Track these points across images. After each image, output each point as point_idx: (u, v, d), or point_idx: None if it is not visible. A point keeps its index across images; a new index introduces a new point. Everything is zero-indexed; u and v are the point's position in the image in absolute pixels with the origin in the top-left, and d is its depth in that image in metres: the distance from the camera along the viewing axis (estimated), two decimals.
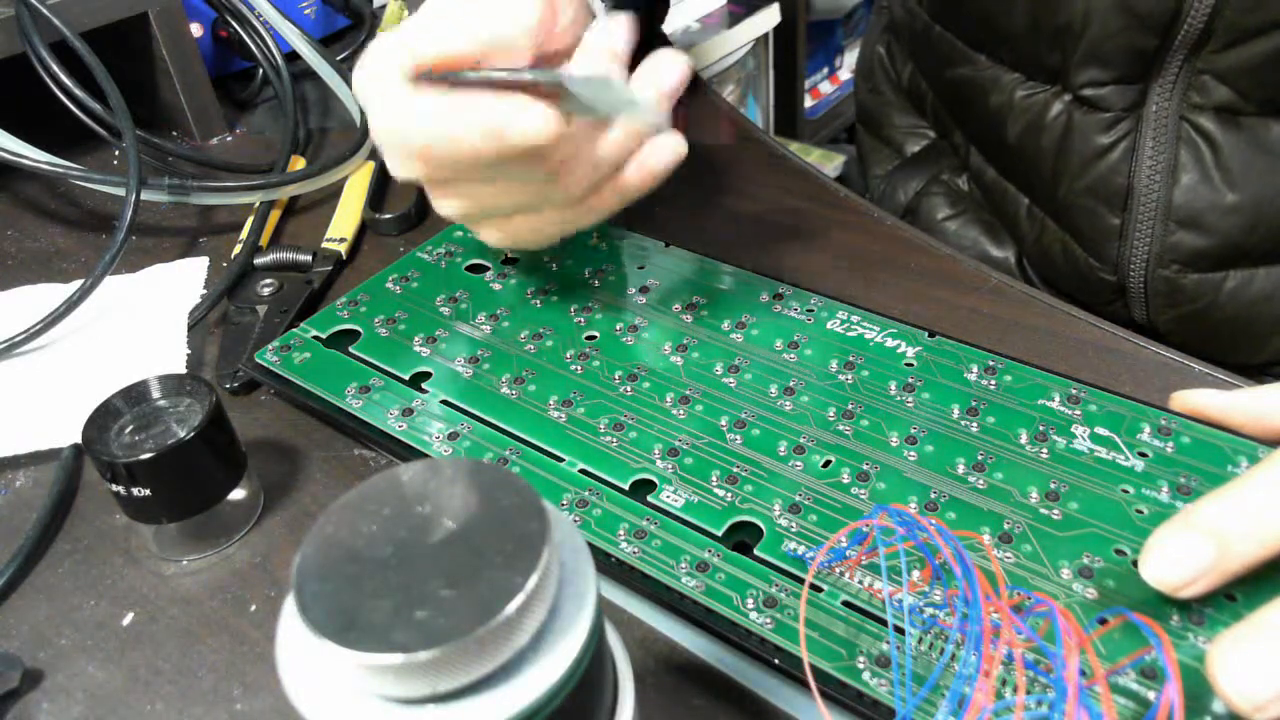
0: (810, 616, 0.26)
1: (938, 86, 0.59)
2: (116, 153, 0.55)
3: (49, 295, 0.44)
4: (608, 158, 0.32)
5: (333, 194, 0.50)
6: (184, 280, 0.44)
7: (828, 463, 0.30)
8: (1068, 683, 0.20)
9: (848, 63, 1.67)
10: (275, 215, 0.48)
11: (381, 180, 0.51)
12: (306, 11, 0.65)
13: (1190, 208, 0.46)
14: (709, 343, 0.35)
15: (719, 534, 0.28)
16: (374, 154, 0.53)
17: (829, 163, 1.42)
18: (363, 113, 0.54)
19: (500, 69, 0.30)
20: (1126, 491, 0.28)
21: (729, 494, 0.30)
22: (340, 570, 0.16)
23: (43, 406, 0.38)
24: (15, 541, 0.32)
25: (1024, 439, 0.30)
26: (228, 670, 0.28)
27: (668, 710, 0.26)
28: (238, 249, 0.45)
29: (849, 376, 0.33)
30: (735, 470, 0.30)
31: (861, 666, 0.24)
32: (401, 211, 0.47)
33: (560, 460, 0.31)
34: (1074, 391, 0.31)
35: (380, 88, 0.32)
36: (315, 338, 0.38)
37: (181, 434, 0.29)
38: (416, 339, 0.37)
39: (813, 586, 0.26)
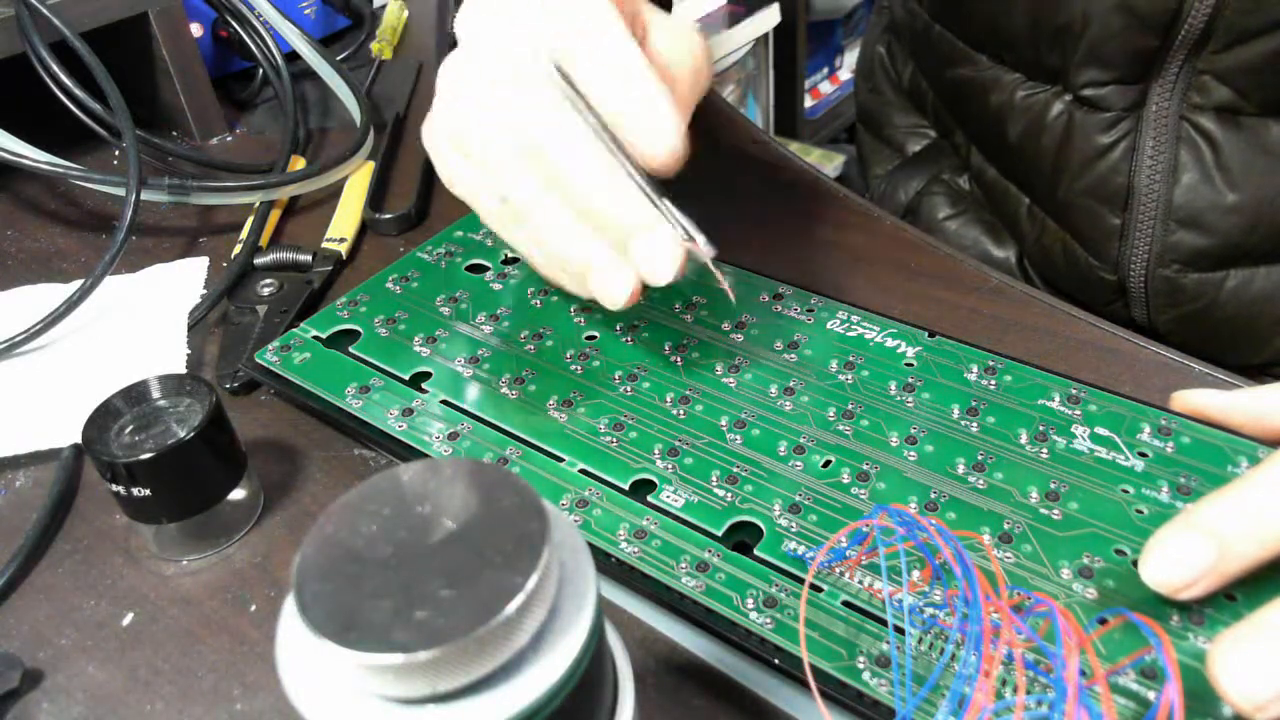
0: (810, 616, 0.26)
1: (938, 86, 0.59)
2: (116, 153, 0.55)
3: (49, 295, 0.44)
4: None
5: (333, 194, 0.50)
6: (184, 280, 0.44)
7: (828, 463, 0.30)
8: (1068, 683, 0.20)
9: (848, 63, 1.67)
10: (275, 215, 0.48)
11: (381, 180, 0.51)
12: (306, 11, 0.65)
13: (1191, 207, 0.46)
14: (709, 343, 0.35)
15: (719, 534, 0.28)
16: (374, 154, 0.53)
17: (829, 163, 1.42)
18: (366, 111, 0.54)
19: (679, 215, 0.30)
20: (1126, 491, 0.28)
21: (729, 494, 0.30)
22: (340, 570, 0.16)
23: (43, 406, 0.38)
24: (15, 541, 0.32)
25: (1024, 439, 0.30)
26: (228, 670, 0.28)
27: (668, 710, 0.26)
28: (238, 249, 0.45)
29: (849, 376, 0.33)
30: (735, 470, 0.30)
31: (861, 666, 0.24)
32: (401, 211, 0.47)
33: (560, 460, 0.31)
34: (1074, 391, 0.31)
35: (522, 71, 0.30)
36: (315, 338, 0.38)
37: (181, 434, 0.29)
38: (416, 339, 0.37)
39: (813, 586, 0.26)
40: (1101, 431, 0.30)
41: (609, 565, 0.28)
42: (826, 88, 1.65)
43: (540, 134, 0.29)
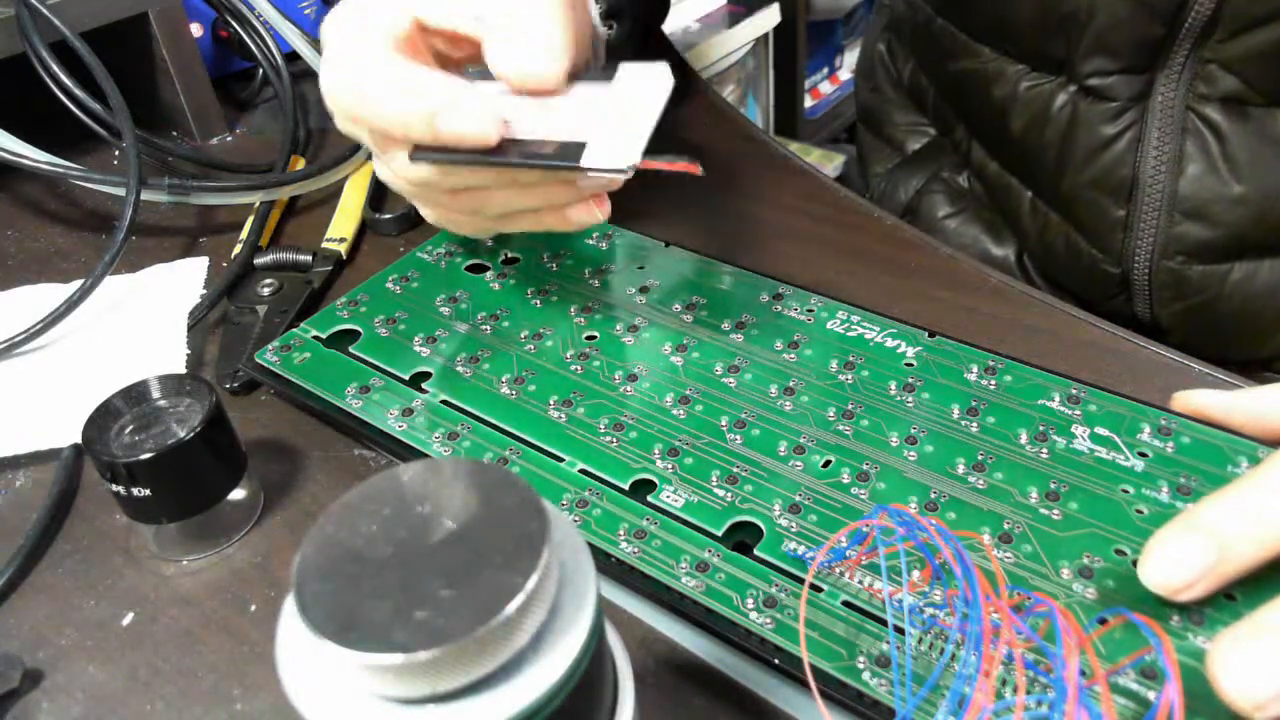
0: (810, 616, 0.26)
1: (940, 81, 0.59)
2: (116, 153, 0.55)
3: (49, 295, 0.44)
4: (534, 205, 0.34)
5: (333, 194, 0.50)
6: (184, 280, 0.44)
7: (828, 463, 0.30)
8: (1068, 683, 0.20)
9: (848, 62, 1.67)
10: (275, 215, 0.48)
11: (381, 180, 0.51)
12: (306, 11, 0.65)
13: (1196, 199, 0.45)
14: (709, 343, 0.35)
15: (719, 534, 0.28)
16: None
17: (829, 163, 1.42)
18: None
19: (526, 140, 0.31)
20: (1126, 491, 0.28)
21: (729, 494, 0.30)
22: (340, 570, 0.16)
23: (43, 406, 0.38)
24: (15, 541, 0.32)
25: (1024, 439, 0.30)
26: (228, 670, 0.28)
27: (668, 710, 0.26)
28: (238, 249, 0.45)
29: (849, 376, 0.33)
30: (735, 470, 0.30)
31: (861, 666, 0.24)
32: (401, 211, 0.47)
33: (560, 460, 0.31)
34: (1074, 391, 0.31)
35: (355, 44, 0.32)
36: (315, 338, 0.38)
37: (181, 434, 0.29)
38: (416, 339, 0.37)
39: (813, 586, 0.26)
40: (1101, 431, 0.30)
41: (609, 565, 0.28)
42: (826, 87, 1.65)
43: (351, 78, 0.32)
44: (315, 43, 0.58)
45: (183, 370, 0.39)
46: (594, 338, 0.36)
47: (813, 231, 0.44)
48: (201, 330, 0.41)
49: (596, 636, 0.18)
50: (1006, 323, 0.37)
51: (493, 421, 0.33)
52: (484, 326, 0.37)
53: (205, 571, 0.31)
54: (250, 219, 0.47)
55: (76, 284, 0.41)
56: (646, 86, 0.30)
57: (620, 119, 0.30)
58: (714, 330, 0.36)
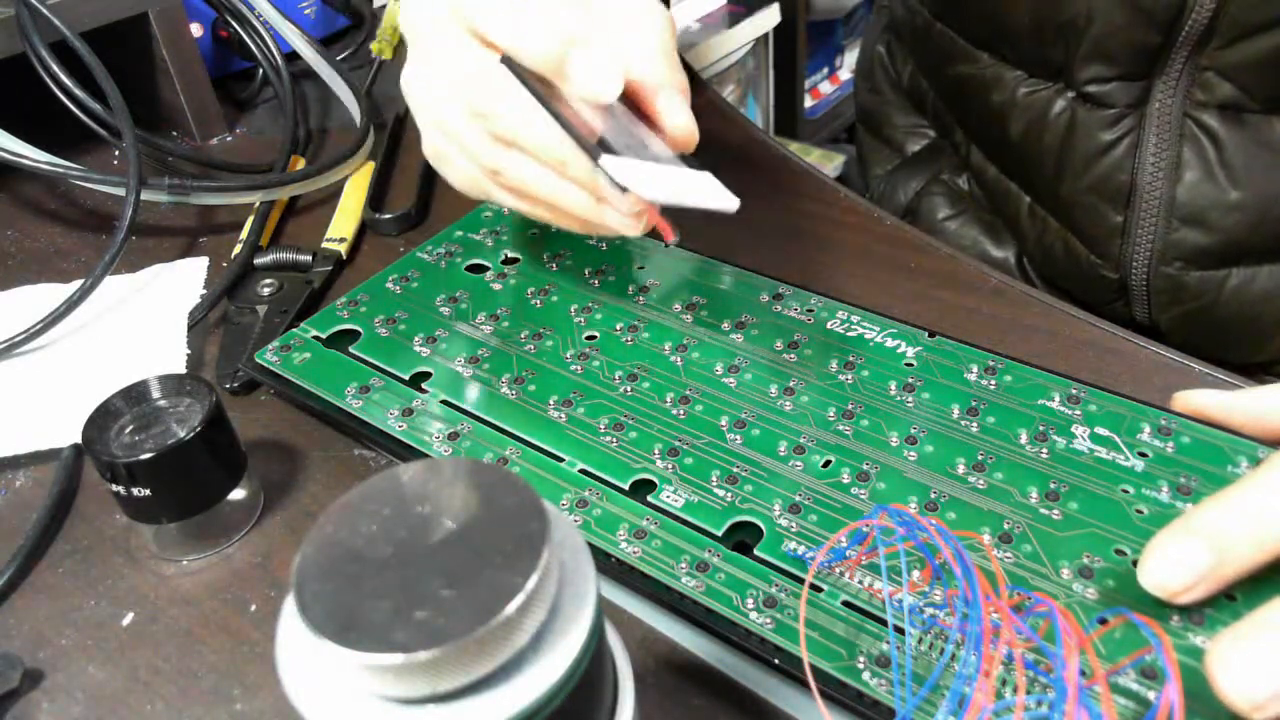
0: (810, 616, 0.26)
1: (939, 85, 0.59)
2: (116, 153, 0.55)
3: (49, 295, 0.44)
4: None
5: (333, 194, 0.50)
6: (184, 280, 0.44)
7: (828, 463, 0.30)
8: (1068, 683, 0.20)
9: (848, 63, 1.67)
10: (275, 215, 0.48)
11: (381, 180, 0.51)
12: (306, 11, 0.65)
13: (1193, 205, 0.46)
14: (709, 343, 0.35)
15: (719, 534, 0.28)
16: (374, 154, 0.53)
17: (829, 163, 1.42)
18: (366, 111, 0.54)
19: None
20: (1126, 491, 0.28)
21: (729, 494, 0.30)
22: (340, 570, 0.16)
23: (43, 406, 0.38)
24: (15, 541, 0.32)
25: (1024, 439, 0.30)
26: (228, 670, 0.28)
27: (668, 710, 0.26)
28: (238, 249, 0.45)
29: (849, 376, 0.33)
30: (735, 470, 0.30)
31: (861, 666, 0.24)
32: (401, 211, 0.47)
33: (560, 460, 0.31)
34: (1074, 391, 0.31)
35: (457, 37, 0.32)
36: (315, 338, 0.38)
37: (181, 434, 0.29)
38: (416, 339, 0.37)
39: (813, 586, 0.26)
40: (1101, 431, 0.30)
41: (609, 565, 0.28)
42: (826, 88, 1.65)
43: (473, 87, 0.32)
44: (315, 43, 0.58)
45: (183, 370, 0.39)
46: (594, 338, 0.36)
47: (813, 231, 0.44)
48: (201, 330, 0.41)
49: (596, 636, 0.18)
50: (1006, 323, 0.37)
51: (493, 421, 0.33)
52: (484, 326, 0.37)
53: (205, 571, 0.31)
54: (250, 219, 0.47)
55: (76, 284, 0.41)
56: (710, 191, 0.30)
57: (665, 176, 0.29)
58: (714, 330, 0.36)
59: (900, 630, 0.25)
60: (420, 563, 0.16)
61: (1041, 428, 0.30)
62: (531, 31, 0.30)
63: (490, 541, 0.16)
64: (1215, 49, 0.42)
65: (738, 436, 0.31)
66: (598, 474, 0.31)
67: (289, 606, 0.16)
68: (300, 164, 0.52)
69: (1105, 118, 0.46)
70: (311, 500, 0.34)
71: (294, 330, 0.38)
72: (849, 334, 0.35)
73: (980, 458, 0.30)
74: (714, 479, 0.30)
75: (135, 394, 0.31)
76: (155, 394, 0.31)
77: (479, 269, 0.41)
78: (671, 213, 0.31)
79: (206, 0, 0.58)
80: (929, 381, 0.32)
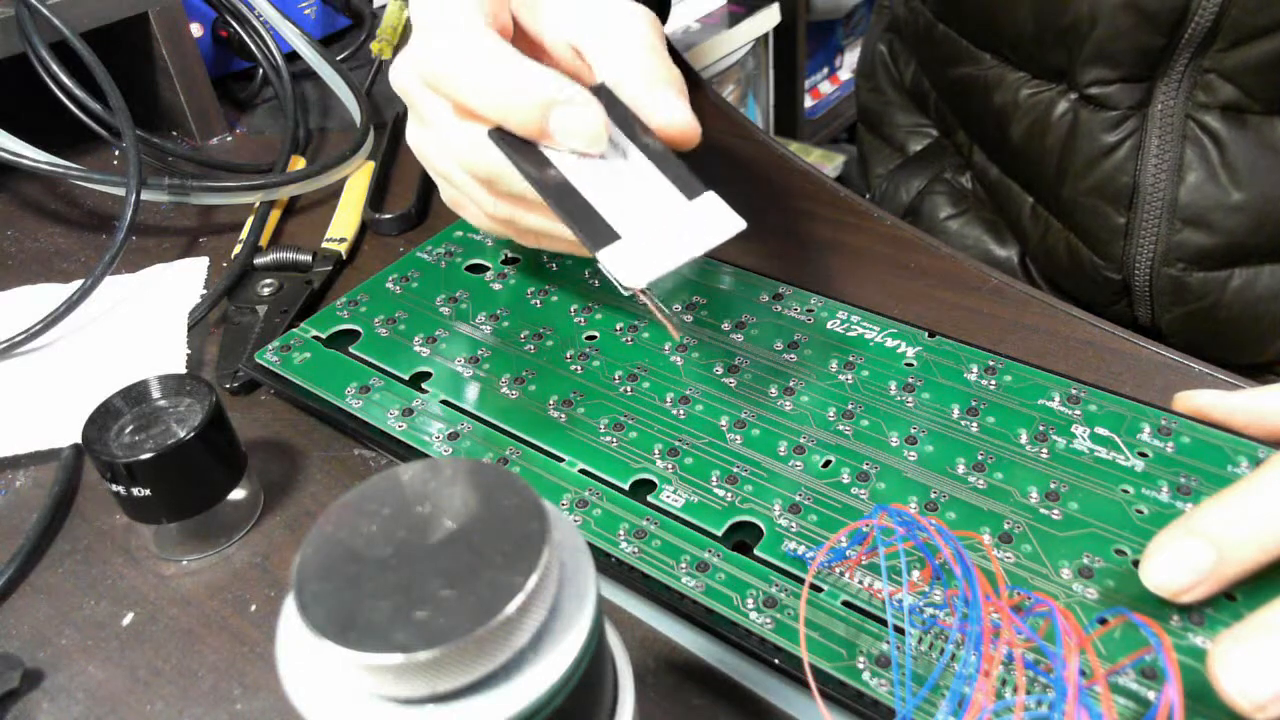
0: (810, 616, 0.26)
1: (941, 85, 0.59)
2: (116, 153, 0.55)
3: (49, 295, 0.44)
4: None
5: (333, 194, 0.50)
6: (184, 280, 0.44)
7: (828, 463, 0.30)
8: (1068, 683, 0.20)
9: (848, 63, 1.67)
10: (275, 215, 0.48)
11: (381, 180, 0.51)
12: (306, 11, 0.65)
13: (1196, 206, 0.46)
14: (709, 343, 0.35)
15: (719, 534, 0.28)
16: (374, 154, 0.53)
17: (829, 163, 1.42)
18: (366, 111, 0.54)
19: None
20: (1126, 491, 0.28)
21: (729, 494, 0.30)
22: (340, 570, 0.16)
23: (43, 406, 0.38)
24: (15, 541, 0.32)
25: (1024, 439, 0.30)
26: (228, 670, 0.28)
27: (668, 710, 0.26)
28: (238, 249, 0.45)
29: (849, 376, 0.33)
30: (735, 470, 0.30)
31: (861, 666, 0.24)
32: (401, 211, 0.47)
33: (560, 460, 0.31)
34: (1074, 391, 0.31)
35: (455, 13, 0.31)
36: (315, 338, 0.38)
37: (181, 434, 0.29)
38: (416, 339, 0.37)
39: (813, 586, 0.26)
40: (1101, 431, 0.30)
41: (609, 565, 0.28)
42: (826, 88, 1.65)
43: (452, 45, 0.31)
44: (315, 43, 0.58)
45: (183, 370, 0.39)
46: (594, 338, 0.36)
47: (813, 231, 0.44)
48: (201, 330, 0.41)
49: (596, 636, 0.18)
50: (1006, 323, 0.37)
51: (493, 421, 0.33)
52: (484, 326, 0.37)
53: (205, 571, 0.31)
54: (250, 219, 0.47)
55: (76, 284, 0.41)
56: (714, 224, 0.29)
57: (666, 237, 0.29)
58: (714, 330, 0.36)
59: (900, 630, 0.25)
60: (420, 563, 0.16)
61: (1041, 428, 0.30)
62: (512, 104, 0.30)
63: (490, 541, 0.16)
64: (1218, 51, 0.42)
65: (738, 436, 0.31)
66: (598, 474, 0.31)
67: (289, 606, 0.16)
68: (300, 164, 0.52)
69: (1108, 119, 0.46)
70: (311, 500, 0.34)
71: (294, 330, 0.38)
72: (849, 334, 0.35)
73: (980, 458, 0.30)
74: (714, 479, 0.30)
75: (135, 394, 0.31)
76: (155, 394, 0.31)
77: (479, 269, 0.41)
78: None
79: (206, 0, 0.58)
80: (929, 381, 0.32)
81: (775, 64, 1.49)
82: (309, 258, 0.44)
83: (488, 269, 0.40)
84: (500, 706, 0.16)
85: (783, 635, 0.25)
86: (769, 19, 1.38)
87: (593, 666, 0.17)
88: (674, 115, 0.31)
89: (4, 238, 0.49)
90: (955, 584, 0.23)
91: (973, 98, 0.53)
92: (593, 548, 0.24)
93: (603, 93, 0.32)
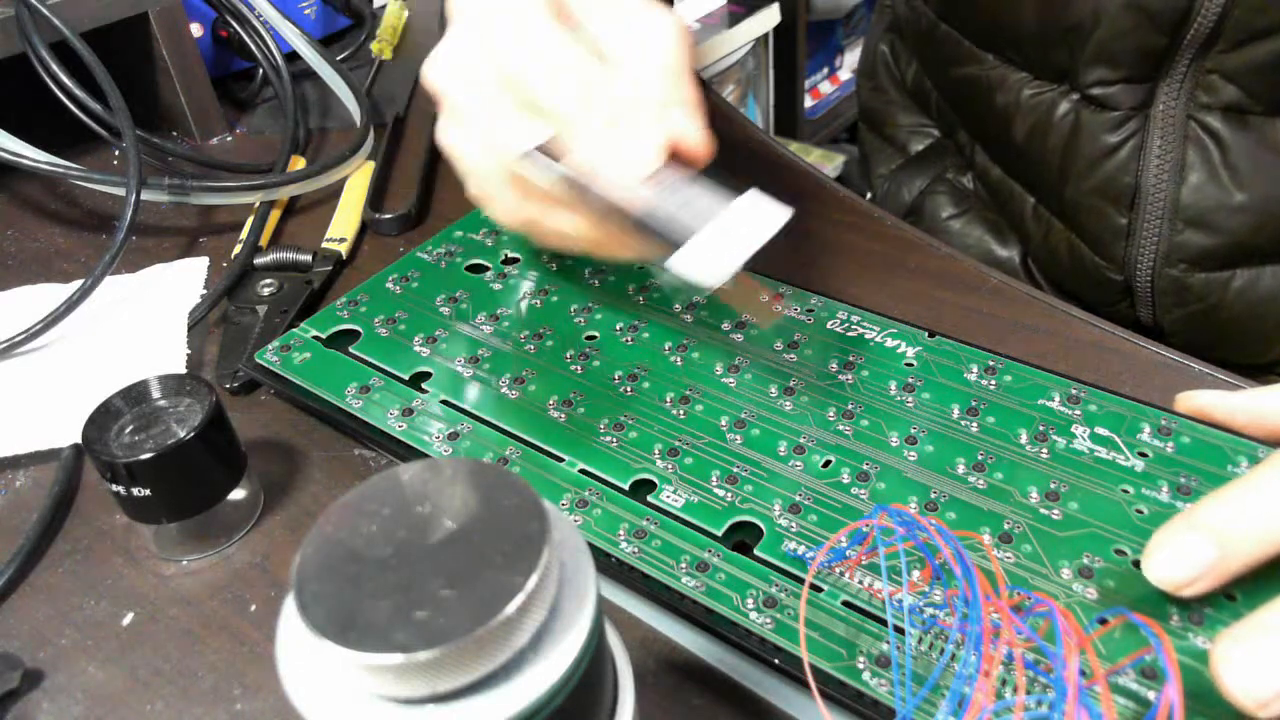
0: (810, 616, 0.26)
1: (943, 85, 0.59)
2: (116, 153, 0.55)
3: (49, 295, 0.44)
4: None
5: (333, 194, 0.50)
6: (184, 280, 0.44)
7: (828, 463, 0.30)
8: (1068, 683, 0.20)
9: (848, 63, 1.67)
10: (275, 215, 0.48)
11: (381, 180, 0.51)
12: (306, 11, 0.65)
13: (1198, 207, 0.46)
14: (709, 343, 0.35)
15: (719, 534, 0.28)
16: (374, 154, 0.53)
17: (829, 163, 1.42)
18: (366, 111, 0.54)
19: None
20: (1126, 491, 0.28)
21: (729, 494, 0.29)
22: (340, 570, 0.16)
23: (43, 406, 0.38)
24: (15, 541, 0.32)
25: (1024, 439, 0.30)
26: (228, 670, 0.28)
27: (668, 710, 0.26)
28: (238, 249, 0.45)
29: (849, 376, 0.33)
30: (735, 470, 0.30)
31: (861, 666, 0.24)
32: (401, 211, 0.47)
33: (560, 460, 0.31)
34: (1074, 391, 0.31)
35: (524, 6, 0.31)
36: (315, 338, 0.38)
37: (181, 434, 0.29)
38: (416, 339, 0.37)
39: (813, 586, 0.26)
40: (1101, 431, 0.30)
41: (609, 565, 0.28)
42: (827, 88, 1.65)
43: (530, 37, 0.30)
44: (315, 43, 0.58)
45: (183, 370, 0.39)
46: (594, 338, 0.36)
47: (813, 231, 0.44)
48: (201, 330, 0.41)
49: (596, 636, 0.18)
50: (1006, 323, 0.37)
51: (493, 421, 0.33)
52: (484, 326, 0.37)
53: (205, 571, 0.31)
54: (250, 219, 0.47)
55: (76, 284, 0.41)
56: (765, 214, 0.30)
57: (725, 234, 0.29)
58: (714, 330, 0.36)
59: (900, 630, 0.25)
60: (420, 563, 0.16)
61: (1041, 428, 0.30)
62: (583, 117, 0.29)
63: (490, 541, 0.16)
64: (1220, 52, 0.42)
65: (738, 436, 0.31)
66: (598, 474, 0.31)
67: (289, 606, 0.16)
68: (300, 164, 0.52)
69: (1110, 120, 0.46)
70: (311, 500, 0.34)
71: (294, 330, 0.38)
72: (849, 334, 0.35)
73: (980, 458, 0.30)
74: (714, 479, 0.30)
75: (135, 394, 0.31)
76: (155, 394, 0.31)
77: (479, 269, 0.41)
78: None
79: (206, 0, 0.58)
80: (929, 381, 0.32)
81: (775, 64, 1.49)
82: (309, 258, 0.44)
83: (488, 269, 0.40)
84: (500, 706, 0.16)
85: (783, 635, 0.25)
86: (769, 19, 1.38)
87: (593, 666, 0.17)
88: (686, 137, 0.31)
89: (4, 238, 0.49)
90: (955, 584, 0.23)
91: (975, 98, 0.53)
92: (593, 548, 0.24)
93: None
